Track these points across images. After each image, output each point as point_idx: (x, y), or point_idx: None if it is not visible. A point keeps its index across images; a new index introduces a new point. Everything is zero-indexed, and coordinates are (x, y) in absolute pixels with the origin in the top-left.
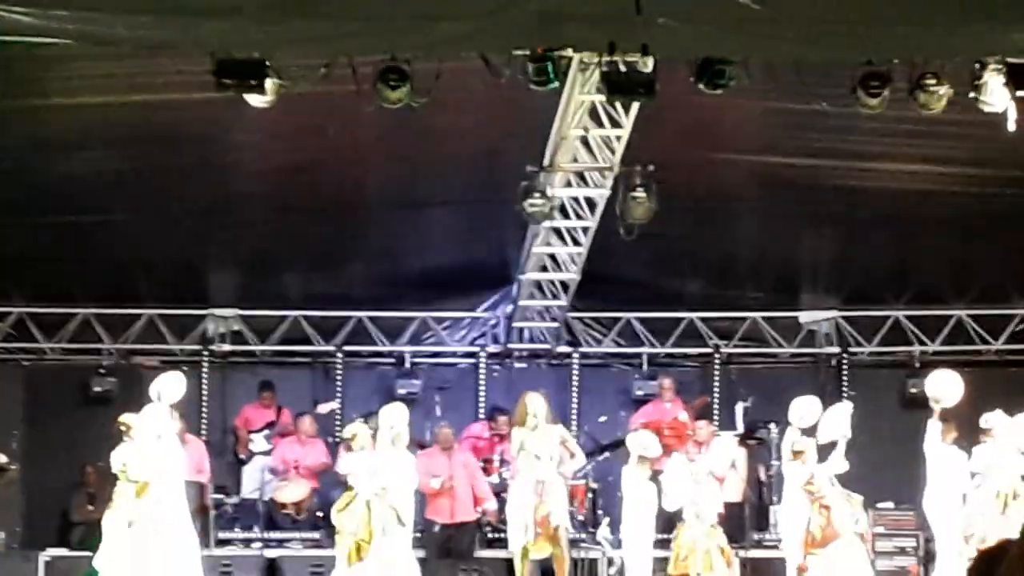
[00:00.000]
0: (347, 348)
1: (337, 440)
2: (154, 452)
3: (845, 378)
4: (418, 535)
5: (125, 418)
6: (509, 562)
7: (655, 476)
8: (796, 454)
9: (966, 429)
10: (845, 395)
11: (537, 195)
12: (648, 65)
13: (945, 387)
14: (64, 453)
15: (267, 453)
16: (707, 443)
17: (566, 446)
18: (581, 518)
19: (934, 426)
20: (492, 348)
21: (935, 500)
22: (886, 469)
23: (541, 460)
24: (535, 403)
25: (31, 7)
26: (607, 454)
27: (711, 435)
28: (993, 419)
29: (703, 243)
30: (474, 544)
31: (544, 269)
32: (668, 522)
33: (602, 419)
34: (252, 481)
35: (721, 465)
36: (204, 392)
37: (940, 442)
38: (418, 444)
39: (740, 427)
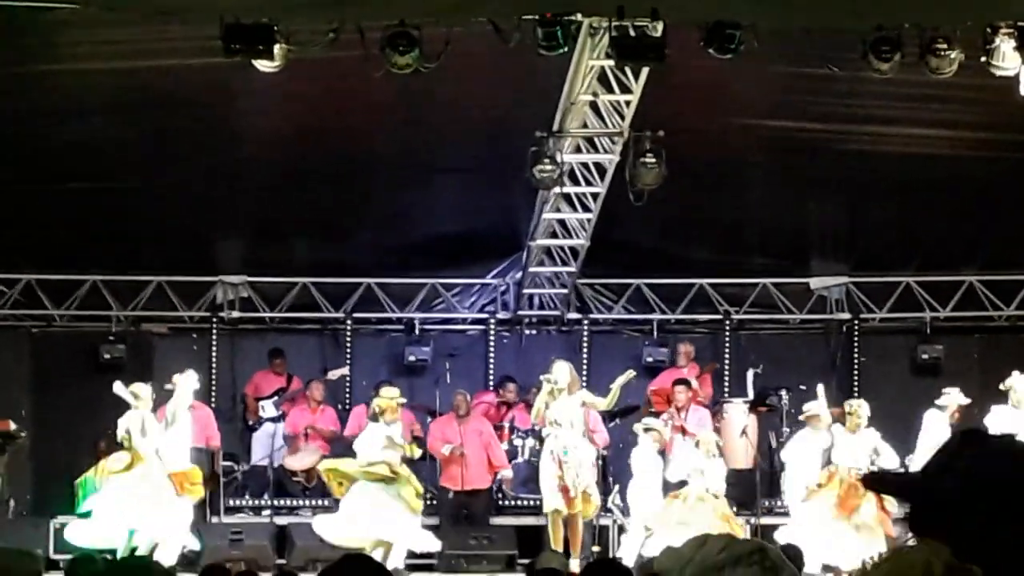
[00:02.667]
0: (356, 315)
1: (347, 407)
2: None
3: (856, 344)
4: (432, 502)
5: (136, 387)
6: (521, 529)
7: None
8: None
9: (976, 395)
10: (856, 361)
11: (547, 161)
12: (658, 30)
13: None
14: (73, 420)
15: (276, 420)
16: (685, 408)
17: (587, 405)
18: None
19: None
20: (502, 315)
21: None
22: (897, 436)
23: (563, 427)
24: (558, 371)
25: None
26: (617, 421)
27: (688, 400)
28: (1011, 381)
29: (713, 209)
30: (488, 511)
31: (554, 235)
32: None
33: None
34: (262, 448)
35: (704, 431)
36: (213, 359)
37: (942, 416)
38: (428, 411)
39: (750, 394)
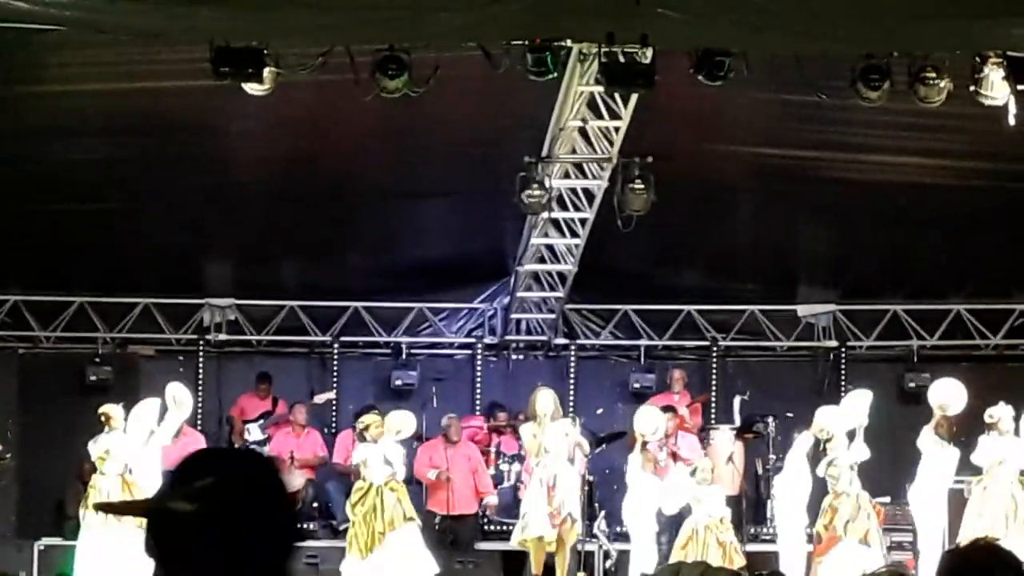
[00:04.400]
0: (343, 339)
1: (333, 431)
2: (137, 447)
3: (843, 372)
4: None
5: (107, 408)
6: (507, 554)
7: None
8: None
9: (965, 424)
10: (843, 389)
11: (535, 186)
12: (647, 56)
13: (951, 395)
14: (59, 442)
15: (261, 443)
16: (672, 435)
17: (571, 438)
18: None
19: (928, 426)
20: (489, 340)
21: (920, 495)
22: (883, 464)
23: (549, 455)
24: (544, 400)
25: None
26: (603, 447)
27: (675, 428)
28: (997, 412)
29: (701, 235)
30: (474, 536)
31: (542, 260)
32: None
33: (599, 412)
34: None
35: (702, 459)
36: (200, 382)
37: (933, 435)
38: (415, 436)
39: (737, 421)
